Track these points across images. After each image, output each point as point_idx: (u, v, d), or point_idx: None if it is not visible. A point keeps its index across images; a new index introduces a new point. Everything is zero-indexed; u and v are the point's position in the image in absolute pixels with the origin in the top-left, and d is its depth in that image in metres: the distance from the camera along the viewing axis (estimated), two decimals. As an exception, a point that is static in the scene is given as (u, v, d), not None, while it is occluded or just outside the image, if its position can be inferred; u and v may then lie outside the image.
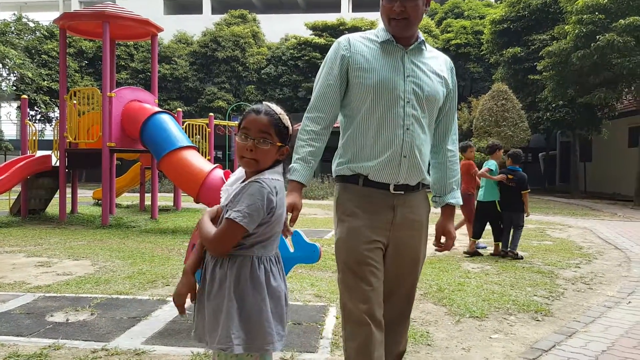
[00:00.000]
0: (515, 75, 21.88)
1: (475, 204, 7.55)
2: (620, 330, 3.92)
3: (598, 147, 23.64)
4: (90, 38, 12.48)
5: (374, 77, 2.15)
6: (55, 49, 26.65)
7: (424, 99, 2.18)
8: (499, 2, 27.95)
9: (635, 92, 17.10)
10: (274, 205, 1.82)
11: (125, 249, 7.29)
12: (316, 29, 29.95)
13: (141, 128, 9.61)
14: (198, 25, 32.18)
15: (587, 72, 16.85)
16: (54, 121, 24.76)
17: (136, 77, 28.57)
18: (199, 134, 13.95)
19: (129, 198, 16.44)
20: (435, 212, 2.36)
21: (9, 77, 26.30)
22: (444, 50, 24.02)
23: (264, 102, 1.93)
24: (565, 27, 17.07)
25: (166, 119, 9.86)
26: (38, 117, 28.03)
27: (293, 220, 2.09)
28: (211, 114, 16.79)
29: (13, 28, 26.54)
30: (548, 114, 20.13)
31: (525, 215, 7.26)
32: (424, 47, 2.25)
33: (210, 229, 1.86)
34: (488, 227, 7.43)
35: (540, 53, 18.46)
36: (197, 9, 37.76)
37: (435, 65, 2.27)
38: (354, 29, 26.25)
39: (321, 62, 2.33)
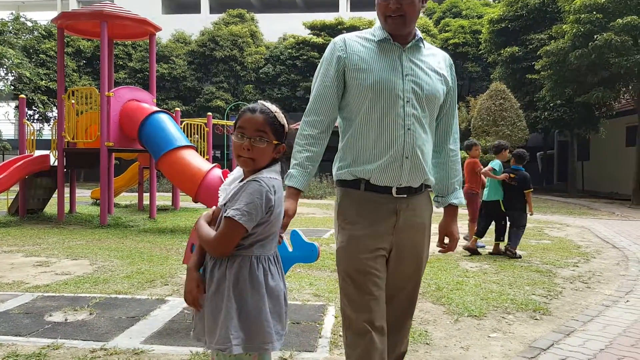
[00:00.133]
0: (513, 74, 21.90)
1: (480, 203, 7.59)
2: (619, 328, 3.93)
3: (596, 146, 23.67)
4: (88, 37, 12.47)
5: (372, 77, 2.10)
6: (53, 48, 26.60)
7: (424, 98, 2.13)
8: (496, 1, 28.01)
9: (633, 92, 17.11)
10: (272, 204, 1.83)
11: (123, 248, 7.28)
12: (314, 28, 29.97)
13: (139, 127, 9.61)
14: (196, 24, 32.17)
15: (584, 72, 16.87)
16: (52, 121, 24.72)
17: (134, 76, 28.55)
18: (197, 134, 13.95)
19: (127, 198, 16.42)
20: (437, 212, 2.35)
21: (6, 77, 26.27)
22: (442, 49, 24.00)
23: (259, 101, 1.94)
24: (563, 27, 17.10)
25: (164, 119, 9.86)
26: (36, 116, 28.00)
27: (284, 226, 2.03)
28: (209, 113, 16.79)
29: (11, 27, 26.51)
30: (546, 113, 20.15)
31: (529, 214, 7.27)
32: (422, 45, 2.20)
33: (209, 231, 1.86)
34: (491, 226, 7.45)
35: (538, 52, 18.49)
36: (195, 9, 37.75)
37: (434, 62, 2.23)
38: (353, 28, 26.25)
39: (319, 62, 2.28)
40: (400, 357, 2.36)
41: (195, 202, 9.26)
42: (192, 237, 2.80)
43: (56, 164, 10.71)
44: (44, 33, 28.34)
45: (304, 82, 28.22)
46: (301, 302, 4.46)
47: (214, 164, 9.38)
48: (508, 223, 7.30)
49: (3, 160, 13.72)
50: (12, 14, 28.02)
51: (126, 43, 28.68)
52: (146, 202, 12.79)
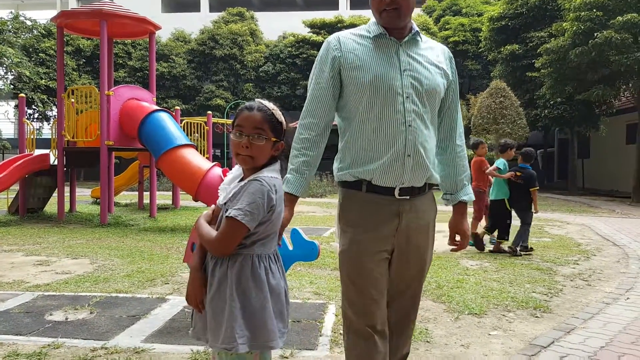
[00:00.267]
0: (514, 72, 21.88)
1: (488, 201, 7.61)
2: (619, 326, 3.93)
3: (596, 144, 23.67)
4: (88, 36, 12.45)
5: (369, 74, 2.04)
6: (53, 47, 26.57)
7: (424, 93, 2.07)
8: (496, -1, 27.97)
9: (633, 89, 17.11)
10: (274, 204, 1.83)
11: (124, 247, 7.29)
12: (314, 26, 29.95)
13: (139, 126, 9.60)
14: (196, 23, 32.14)
15: (585, 69, 16.86)
16: (51, 120, 24.71)
17: (134, 75, 28.54)
18: (197, 132, 13.94)
19: (127, 196, 16.42)
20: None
21: (6, 76, 26.26)
22: (442, 47, 23.96)
23: (256, 99, 1.95)
24: (563, 25, 17.08)
25: (164, 117, 9.85)
26: (36, 115, 28.00)
27: (279, 236, 2.01)
28: (209, 112, 16.80)
29: (10, 26, 26.49)
30: (546, 111, 20.14)
31: (534, 212, 7.27)
32: (419, 38, 2.14)
33: (210, 231, 1.87)
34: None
35: (538, 50, 18.48)
36: (195, 7, 37.72)
37: (433, 56, 2.16)
38: (352, 26, 25.99)
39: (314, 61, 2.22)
40: (403, 359, 2.33)
41: (196, 200, 9.26)
42: (192, 235, 2.80)
43: (56, 163, 10.71)
44: (44, 32, 28.31)
45: (304, 80, 28.19)
46: (302, 301, 4.46)
47: (214, 163, 9.38)
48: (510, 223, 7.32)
49: (3, 160, 13.71)
50: (11, 12, 28.00)
51: (126, 42, 28.65)
52: (146, 201, 12.78)
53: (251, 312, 1.82)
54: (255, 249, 1.86)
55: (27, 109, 26.24)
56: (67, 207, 11.02)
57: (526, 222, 7.19)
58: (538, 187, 7.31)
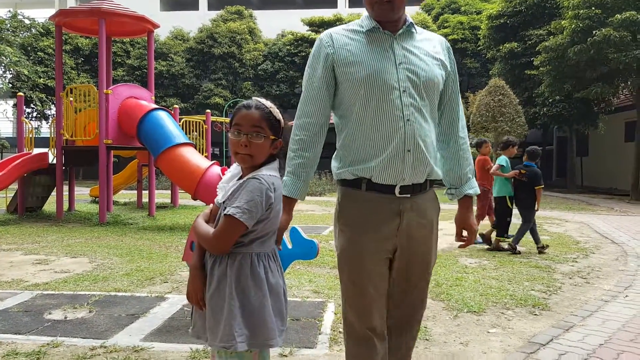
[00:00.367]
0: (512, 70, 21.89)
1: (492, 199, 7.63)
2: (618, 323, 3.93)
3: (594, 142, 23.69)
4: (87, 35, 12.41)
5: (363, 70, 1.98)
6: (51, 46, 26.56)
7: (422, 86, 2.01)
8: (495, -3, 27.95)
9: (632, 87, 17.12)
10: (272, 202, 1.83)
11: (123, 246, 7.28)
12: (313, 24, 29.92)
13: (138, 125, 9.59)
14: (194, 21, 32.09)
15: (583, 67, 16.87)
16: (50, 118, 24.70)
17: (132, 73, 28.51)
18: (196, 131, 13.94)
19: (126, 195, 16.41)
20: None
21: (4, 75, 26.20)
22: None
23: (253, 98, 1.94)
24: (562, 22, 17.08)
25: (163, 116, 9.85)
26: (34, 114, 27.95)
27: (277, 241, 1.99)
28: (208, 110, 16.77)
29: (8, 25, 26.40)
30: (545, 109, 20.16)
31: (535, 210, 7.26)
32: (414, 30, 2.08)
33: (208, 229, 1.87)
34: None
35: (537, 48, 18.47)
36: (194, 5, 37.65)
37: (429, 47, 2.10)
38: (351, 24, 26.16)
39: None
40: (407, 357, 2.29)
41: (195, 199, 9.26)
42: (191, 234, 2.80)
43: (55, 161, 10.70)
44: (42, 31, 28.25)
45: (303, 78, 28.19)
46: (301, 299, 4.47)
47: (213, 162, 9.38)
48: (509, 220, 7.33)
49: (1, 159, 13.71)
50: (9, 11, 27.91)
51: (124, 40, 28.62)
52: (145, 199, 12.78)
53: (250, 311, 1.82)
54: (254, 248, 1.85)
55: (26, 107, 26.19)
56: (65, 206, 11.01)
57: (528, 220, 7.19)
58: (543, 186, 7.31)
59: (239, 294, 1.82)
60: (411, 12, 29.86)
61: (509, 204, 7.30)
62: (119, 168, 15.88)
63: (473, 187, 2.22)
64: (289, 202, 2.06)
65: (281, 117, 1.93)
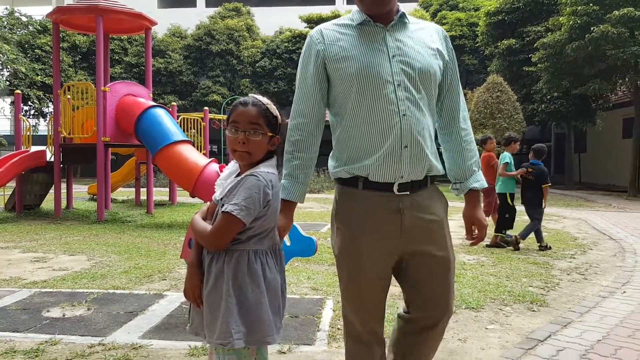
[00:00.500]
0: (510, 67, 21.90)
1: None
2: (615, 319, 3.94)
3: (592, 139, 23.73)
4: (84, 32, 12.39)
5: (354, 65, 1.91)
6: (49, 43, 26.50)
7: (417, 78, 1.92)
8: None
9: (629, 83, 17.14)
10: (270, 199, 1.83)
11: (121, 243, 7.28)
12: (311, 21, 29.87)
13: (136, 122, 9.58)
14: (192, 18, 32.05)
15: (581, 64, 16.89)
16: (48, 116, 24.66)
17: (130, 71, 28.47)
18: (194, 128, 13.92)
19: (124, 193, 16.40)
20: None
21: (2, 72, 26.16)
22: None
23: (250, 94, 1.94)
24: (560, 19, 17.09)
25: (161, 113, 9.83)
26: (32, 112, 27.91)
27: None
28: (206, 107, 16.75)
29: (5, 22, 26.33)
30: (543, 105, 20.18)
31: (542, 208, 7.26)
32: (407, 20, 2.00)
33: (205, 226, 1.87)
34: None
35: (535, 45, 18.49)
36: (191, 2, 37.57)
37: (425, 37, 2.01)
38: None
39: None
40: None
41: (193, 196, 9.26)
42: (189, 232, 2.80)
43: (52, 159, 10.68)
44: (39, 28, 28.17)
45: (301, 76, 28.15)
46: (299, 296, 4.47)
47: (211, 159, 9.37)
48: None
49: (-1, 156, 13.65)
50: (6, 9, 27.83)
51: (122, 38, 28.58)
52: (143, 197, 12.76)
53: (247, 308, 1.82)
54: (251, 245, 1.85)
55: (23, 105, 26.17)
56: (63, 203, 10.99)
57: (536, 219, 7.18)
58: (550, 184, 7.31)
59: (236, 291, 1.81)
60: (409, 8, 29.85)
61: (510, 202, 7.31)
62: (117, 165, 15.86)
63: (479, 181, 2.11)
64: (289, 206, 2.01)
65: (278, 114, 1.93)
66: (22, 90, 20.27)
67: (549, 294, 4.76)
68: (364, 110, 1.92)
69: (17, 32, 27.32)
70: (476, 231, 2.14)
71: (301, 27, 30.12)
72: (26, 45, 27.22)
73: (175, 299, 4.35)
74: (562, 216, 11.13)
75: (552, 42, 17.03)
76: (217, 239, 1.81)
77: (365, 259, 1.95)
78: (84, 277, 5.19)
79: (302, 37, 28.97)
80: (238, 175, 1.91)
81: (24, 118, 11.96)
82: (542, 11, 20.95)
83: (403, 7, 2.05)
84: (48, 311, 4.01)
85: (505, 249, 7.05)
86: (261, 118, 1.86)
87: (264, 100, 1.90)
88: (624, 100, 20.20)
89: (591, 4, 15.68)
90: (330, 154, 2.09)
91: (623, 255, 6.66)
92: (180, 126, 11.65)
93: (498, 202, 7.59)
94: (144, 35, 11.70)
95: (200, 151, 12.49)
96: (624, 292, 4.81)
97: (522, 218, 7.95)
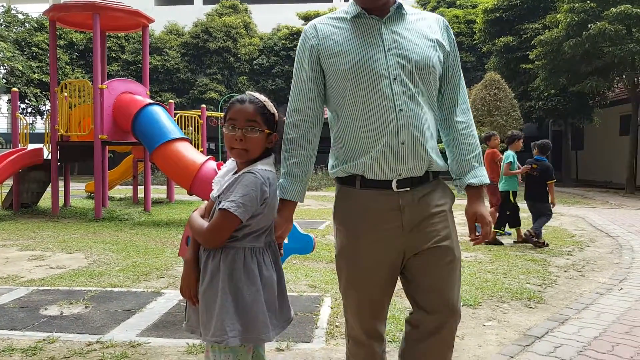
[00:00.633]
0: (508, 64, 21.90)
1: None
2: (612, 316, 3.95)
3: (590, 136, 23.77)
4: (81, 30, 12.38)
5: (348, 59, 1.84)
6: (46, 41, 26.40)
7: (415, 71, 1.85)
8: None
9: (627, 81, 17.16)
10: (267, 196, 1.83)
11: (118, 241, 7.27)
12: (308, 18, 29.79)
13: (133, 120, 9.56)
14: (189, 16, 31.95)
15: (578, 61, 16.89)
16: (45, 114, 24.58)
17: (127, 68, 28.39)
18: (192, 126, 13.89)
19: (121, 191, 16.38)
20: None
21: (-2, 70, 26.10)
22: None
23: (246, 92, 1.94)
24: (557, 16, 17.09)
25: (158, 111, 9.82)
26: (29, 110, 27.84)
27: (279, 246, 1.95)
28: (203, 105, 16.71)
29: (2, 20, 26.29)
30: (540, 102, 20.20)
31: (551, 205, 7.25)
32: (404, 12, 1.93)
33: (202, 223, 1.87)
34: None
35: (533, 42, 18.48)
36: (188, 0, 37.48)
37: (424, 27, 1.93)
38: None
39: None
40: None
41: (190, 194, 9.25)
42: (187, 229, 2.80)
43: (50, 157, 10.66)
44: (36, 25, 28.10)
45: (299, 73, 28.10)
46: (297, 294, 4.47)
47: (209, 157, 9.36)
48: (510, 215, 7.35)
49: (-4, 154, 13.61)
50: (3, 6, 27.76)
51: (119, 35, 28.47)
52: (141, 195, 12.75)
53: (243, 306, 1.81)
54: (248, 242, 1.85)
55: (20, 103, 26.10)
56: (61, 201, 10.98)
57: (545, 214, 7.18)
58: (555, 180, 7.31)
59: (232, 289, 1.81)
60: (406, 5, 29.76)
61: (512, 199, 7.33)
62: (114, 163, 15.84)
63: (477, 177, 1.99)
64: (288, 206, 1.97)
65: (275, 111, 1.93)
66: (19, 88, 20.22)
67: (546, 290, 4.77)
68: (359, 107, 1.86)
69: (14, 30, 27.26)
70: (480, 229, 2.04)
71: (298, 24, 30.06)
72: (23, 43, 27.11)
73: (173, 297, 4.35)
74: (560, 213, 11.15)
75: (550, 40, 17.03)
76: (214, 236, 1.81)
77: (364, 259, 1.91)
78: (82, 275, 5.19)
79: (299, 34, 28.77)
80: (235, 172, 1.91)
81: (21, 116, 11.94)
82: (540, 8, 20.95)
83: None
84: (46, 309, 4.01)
85: (503, 246, 7.06)
86: (258, 115, 1.86)
87: (261, 97, 1.90)
88: (621, 97, 20.22)
89: (588, 1, 15.68)
90: (330, 153, 2.04)
91: (620, 252, 6.68)
92: (178, 124, 11.63)
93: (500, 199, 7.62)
94: (141, 33, 11.68)
95: (198, 149, 12.48)
96: (621, 288, 4.82)
97: (525, 214, 7.92)
